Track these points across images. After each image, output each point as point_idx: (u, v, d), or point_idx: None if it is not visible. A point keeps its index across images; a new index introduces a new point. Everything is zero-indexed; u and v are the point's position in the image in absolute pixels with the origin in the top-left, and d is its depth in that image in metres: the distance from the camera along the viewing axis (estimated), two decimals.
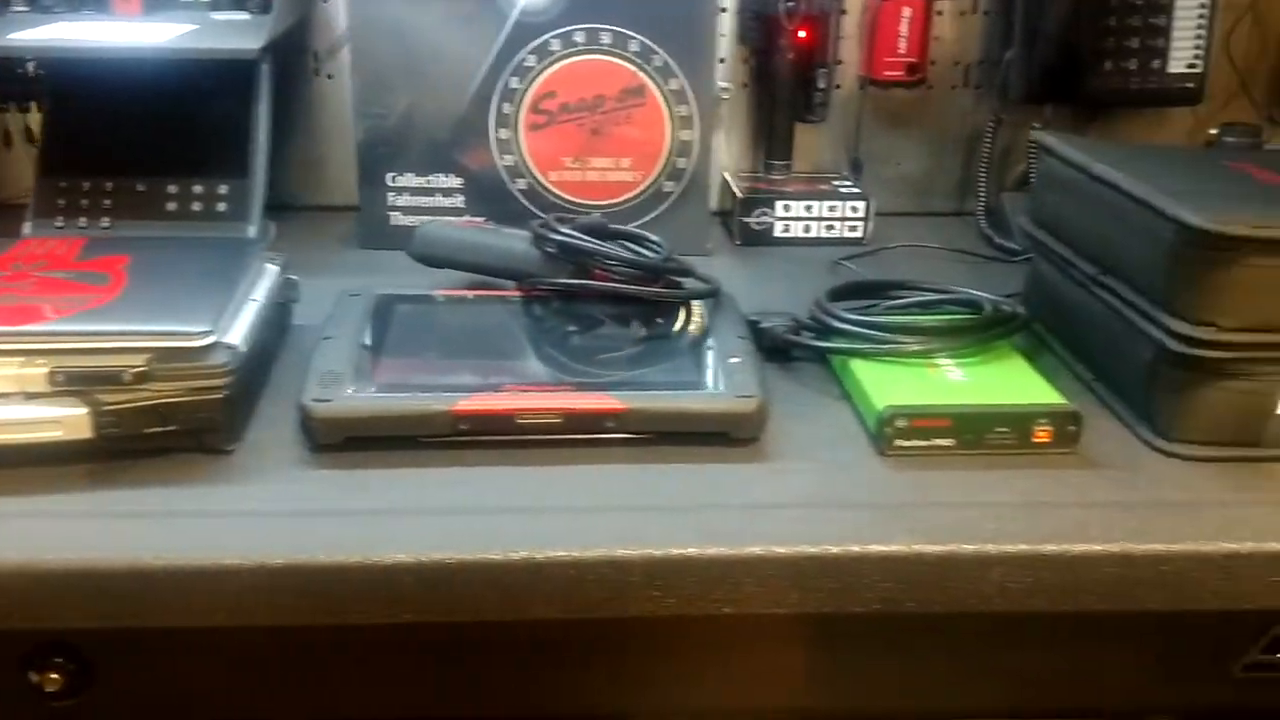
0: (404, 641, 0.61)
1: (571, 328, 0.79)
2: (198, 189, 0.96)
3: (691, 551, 0.58)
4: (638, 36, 0.99)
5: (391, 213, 1.03)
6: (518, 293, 0.83)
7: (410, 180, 1.02)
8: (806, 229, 1.08)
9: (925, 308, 0.84)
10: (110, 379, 0.64)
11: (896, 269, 1.01)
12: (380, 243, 1.03)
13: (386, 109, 1.00)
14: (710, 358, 0.72)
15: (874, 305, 0.83)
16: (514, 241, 0.85)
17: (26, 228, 0.95)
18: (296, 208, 1.13)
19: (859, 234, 1.08)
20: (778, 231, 1.08)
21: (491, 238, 0.86)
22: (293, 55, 1.10)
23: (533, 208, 1.02)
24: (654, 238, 0.83)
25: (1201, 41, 1.08)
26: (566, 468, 0.66)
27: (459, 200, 1.02)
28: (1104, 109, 1.14)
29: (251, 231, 0.96)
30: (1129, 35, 1.07)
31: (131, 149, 0.97)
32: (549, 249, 0.82)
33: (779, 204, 1.07)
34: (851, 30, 1.12)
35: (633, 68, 1.00)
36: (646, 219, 1.03)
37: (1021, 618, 0.60)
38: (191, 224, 0.95)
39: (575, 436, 0.68)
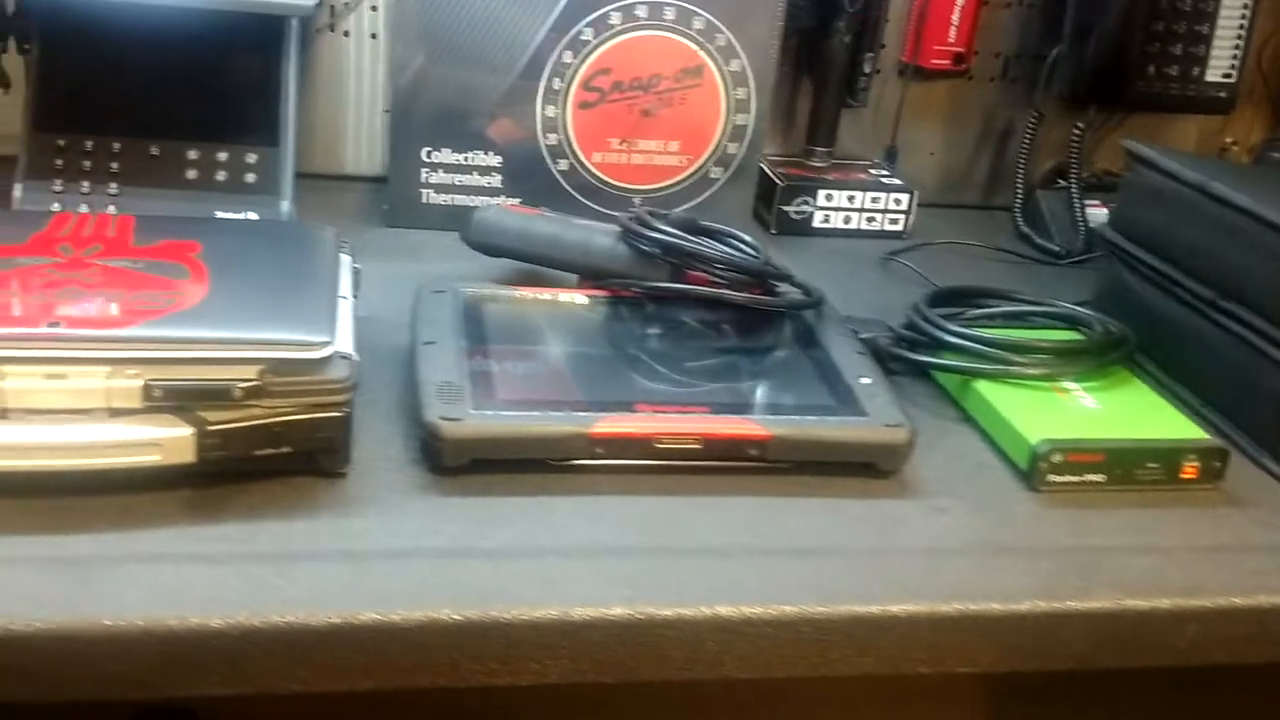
0: (568, 699, 0.56)
1: (681, 337, 0.73)
2: (222, 156, 0.86)
3: (895, 609, 0.54)
4: (703, 13, 0.93)
5: (424, 190, 0.95)
6: (603, 293, 0.77)
7: (446, 156, 0.94)
8: (847, 220, 1.05)
9: (1015, 319, 0.81)
10: (218, 394, 0.56)
11: (940, 267, 0.98)
12: (409, 221, 0.95)
13: (427, 78, 0.92)
14: (842, 378, 0.68)
15: (958, 313, 0.81)
16: (593, 235, 0.79)
17: (18, 190, 0.84)
18: (300, 175, 1.04)
19: (900, 227, 1.06)
20: (817, 222, 1.04)
21: (567, 230, 0.80)
22: None
23: (571, 190, 0.96)
24: (748, 237, 0.78)
25: (1238, 52, 1.08)
26: (706, 499, 0.61)
27: (496, 180, 0.95)
28: (1136, 112, 1.13)
29: (284, 208, 0.87)
30: (1175, 41, 1.06)
31: (140, 105, 0.86)
32: (641, 245, 0.76)
33: (821, 193, 1.04)
34: (893, 14, 1.09)
35: (694, 46, 0.94)
36: (686, 206, 0.98)
37: (1198, 669, 0.59)
38: (215, 195, 0.86)
39: (712, 463, 0.63)
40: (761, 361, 0.72)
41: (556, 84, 0.93)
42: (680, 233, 0.75)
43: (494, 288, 0.76)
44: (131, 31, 0.85)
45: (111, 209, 0.84)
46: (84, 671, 0.49)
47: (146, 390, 0.56)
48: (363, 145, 1.06)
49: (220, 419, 0.57)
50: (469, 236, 0.83)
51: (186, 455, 0.56)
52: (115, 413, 0.56)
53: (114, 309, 0.58)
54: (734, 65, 0.95)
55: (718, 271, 0.74)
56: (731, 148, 0.97)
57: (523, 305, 0.75)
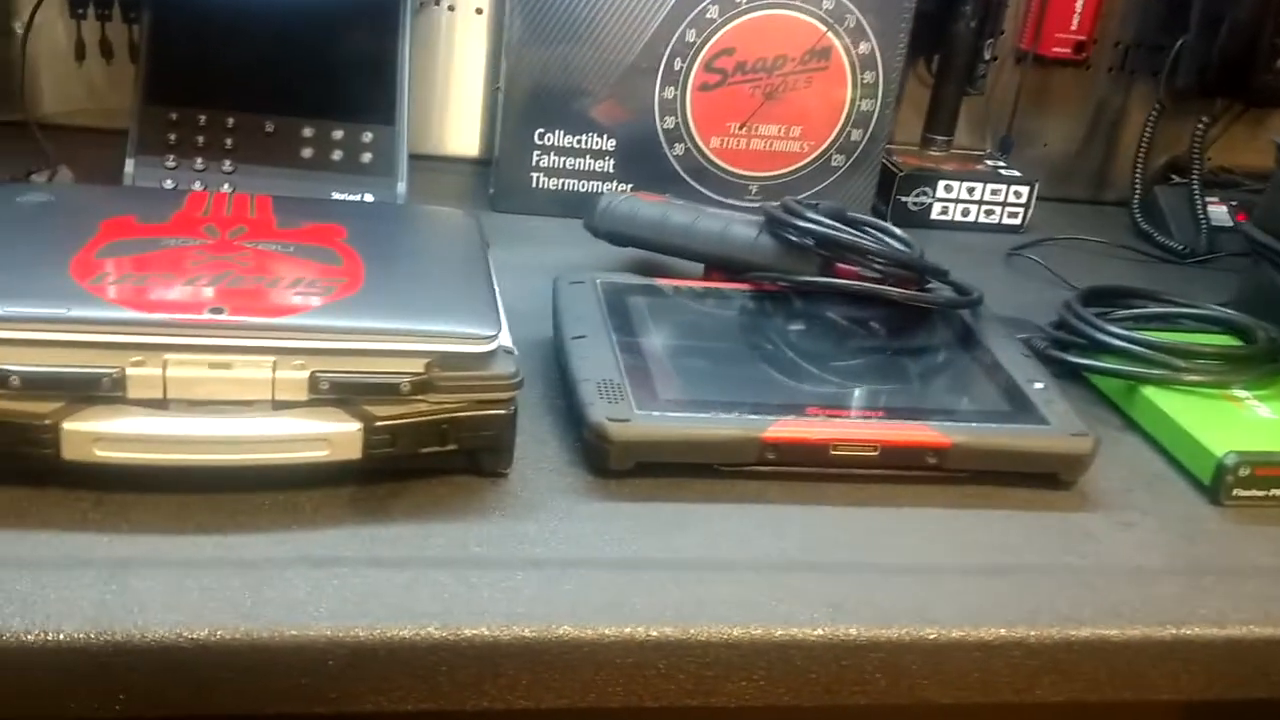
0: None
1: (833, 335, 0.70)
2: (337, 134, 0.83)
3: (1108, 633, 0.51)
4: None
5: (534, 174, 0.92)
6: (744, 285, 0.73)
7: (560, 138, 0.91)
8: (965, 212, 1.01)
9: (1164, 321, 0.78)
10: (385, 389, 0.53)
11: (1064, 264, 0.95)
12: (516, 206, 0.92)
13: (541, 56, 0.89)
14: (1013, 382, 0.65)
15: (1105, 313, 0.77)
16: (732, 225, 0.76)
17: (129, 165, 0.81)
18: None
19: (1018, 221, 1.02)
20: (935, 214, 1.01)
21: (703, 219, 0.77)
22: None
23: (686, 175, 0.93)
24: (897, 230, 0.75)
25: None
26: (888, 511, 0.58)
27: (609, 164, 0.92)
28: (1263, 106, 1.09)
29: (400, 189, 0.84)
30: None
31: (253, 79, 0.83)
32: (790, 236, 0.73)
33: (940, 184, 1.00)
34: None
35: (822, 27, 0.90)
36: (804, 195, 0.95)
37: None
38: (331, 175, 0.83)
39: (887, 472, 0.60)
40: (926, 363, 0.68)
41: (677, 64, 0.90)
42: (834, 223, 0.71)
43: (630, 278, 0.73)
44: (243, 3, 0.82)
45: (226, 187, 0.81)
46: (266, 683, 0.46)
47: (313, 382, 0.53)
48: (465, 125, 1.03)
49: (387, 414, 0.54)
50: (594, 223, 0.80)
51: (353, 452, 0.53)
52: (278, 405, 0.53)
53: (275, 296, 0.55)
54: (863, 48, 0.91)
55: (875, 265, 0.70)
56: (855, 135, 0.94)
57: (666, 297, 0.71)
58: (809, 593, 0.51)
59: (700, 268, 0.79)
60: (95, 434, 0.50)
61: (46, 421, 0.50)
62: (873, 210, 0.99)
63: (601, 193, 0.83)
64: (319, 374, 0.53)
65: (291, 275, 0.57)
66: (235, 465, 0.53)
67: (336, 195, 0.82)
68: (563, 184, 0.92)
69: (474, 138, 1.03)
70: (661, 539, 0.54)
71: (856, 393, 0.63)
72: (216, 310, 0.53)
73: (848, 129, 0.94)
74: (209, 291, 0.54)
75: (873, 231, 0.74)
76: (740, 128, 0.92)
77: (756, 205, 0.93)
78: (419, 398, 0.54)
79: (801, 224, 0.72)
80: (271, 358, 0.53)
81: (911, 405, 0.63)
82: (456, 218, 0.69)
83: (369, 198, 0.83)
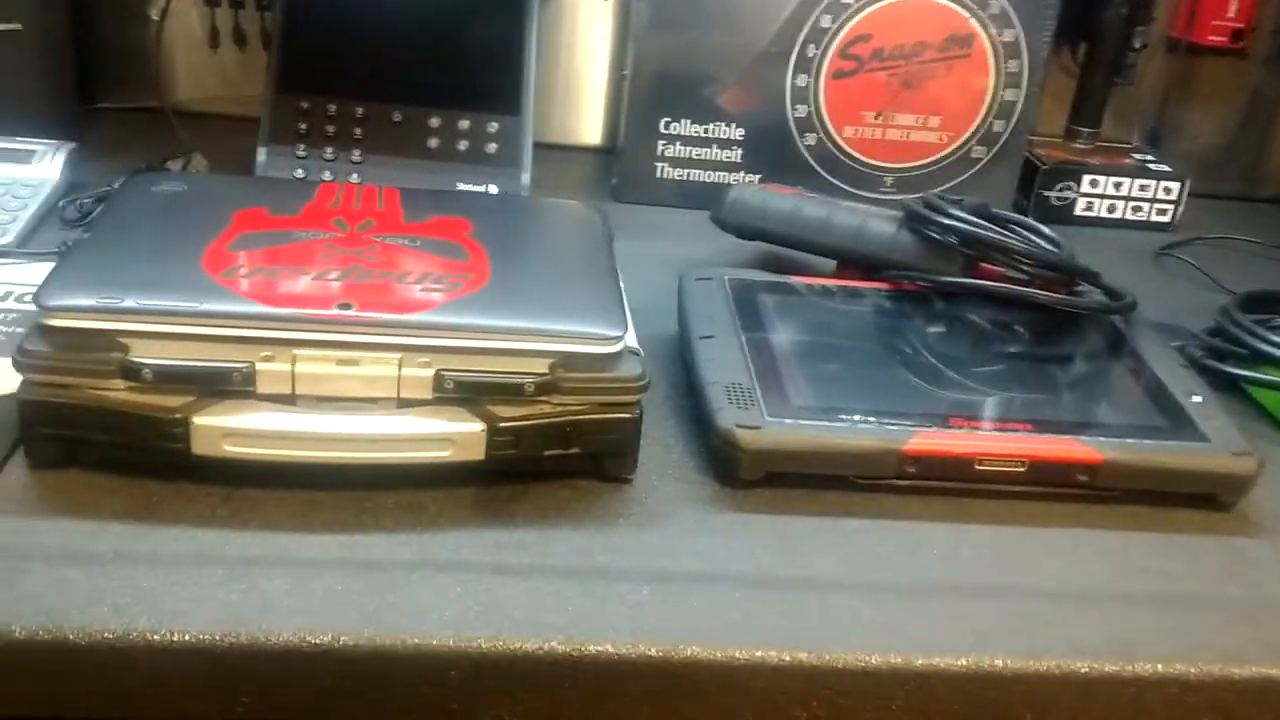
0: None
1: (975, 340, 0.66)
2: (464, 124, 0.82)
3: (1277, 673, 0.47)
4: None
5: (658, 164, 0.90)
6: (880, 284, 0.70)
7: (686, 128, 0.89)
8: (1111, 209, 0.96)
9: None
10: (509, 389, 0.52)
11: (1217, 265, 0.89)
12: (639, 196, 0.90)
13: (670, 42, 0.86)
14: (1169, 395, 0.61)
15: (1265, 320, 0.72)
16: (869, 221, 0.73)
17: (261, 155, 0.81)
18: None
19: (1167, 218, 0.96)
20: (1078, 209, 0.96)
21: (838, 213, 0.74)
22: None
23: (817, 166, 0.90)
24: (1045, 228, 0.71)
25: None
26: (1037, 531, 0.55)
27: (736, 154, 0.89)
28: None
29: (524, 180, 0.83)
30: None
31: (382, 69, 0.83)
32: (931, 234, 0.69)
33: (1086, 178, 0.95)
34: None
35: (965, 13, 0.86)
36: (942, 189, 0.91)
37: None
38: (457, 166, 0.82)
39: (1035, 489, 0.56)
40: (1075, 372, 0.65)
41: (811, 50, 0.87)
42: (980, 220, 0.68)
43: (760, 274, 0.70)
44: None
45: (354, 178, 0.81)
46: (388, 691, 0.45)
47: (437, 381, 0.52)
48: (587, 113, 1.01)
49: (511, 415, 0.52)
50: (722, 216, 0.77)
51: (476, 453, 0.52)
52: (403, 403, 0.52)
53: (401, 292, 0.54)
54: (1007, 35, 0.87)
55: (1022, 266, 0.67)
56: (997, 125, 0.90)
57: (798, 296, 0.69)
58: (952, 619, 0.48)
59: (831, 264, 0.76)
60: (225, 429, 0.50)
61: (177, 415, 0.50)
62: (1014, 206, 0.94)
63: (730, 184, 0.80)
64: (444, 373, 0.52)
65: (418, 270, 0.56)
66: (361, 463, 0.52)
67: (461, 186, 0.82)
68: (688, 174, 0.90)
69: (596, 126, 1.02)
70: (794, 556, 0.52)
71: (1002, 403, 0.60)
72: (345, 306, 0.52)
73: (989, 119, 0.89)
74: (337, 287, 0.53)
75: (1019, 230, 0.70)
76: (876, 117, 0.89)
77: (892, 199, 0.89)
78: (543, 399, 0.53)
79: (944, 221, 0.69)
80: (397, 355, 0.52)
81: (1061, 418, 0.59)
82: (582, 212, 0.67)
83: (493, 189, 0.82)
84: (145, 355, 0.50)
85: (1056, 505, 0.57)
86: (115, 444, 0.51)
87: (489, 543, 0.50)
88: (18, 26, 0.81)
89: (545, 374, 0.52)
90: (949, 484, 0.56)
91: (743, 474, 0.55)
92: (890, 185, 0.91)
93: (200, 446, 0.50)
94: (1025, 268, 0.67)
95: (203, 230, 0.57)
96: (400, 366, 0.51)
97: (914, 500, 0.56)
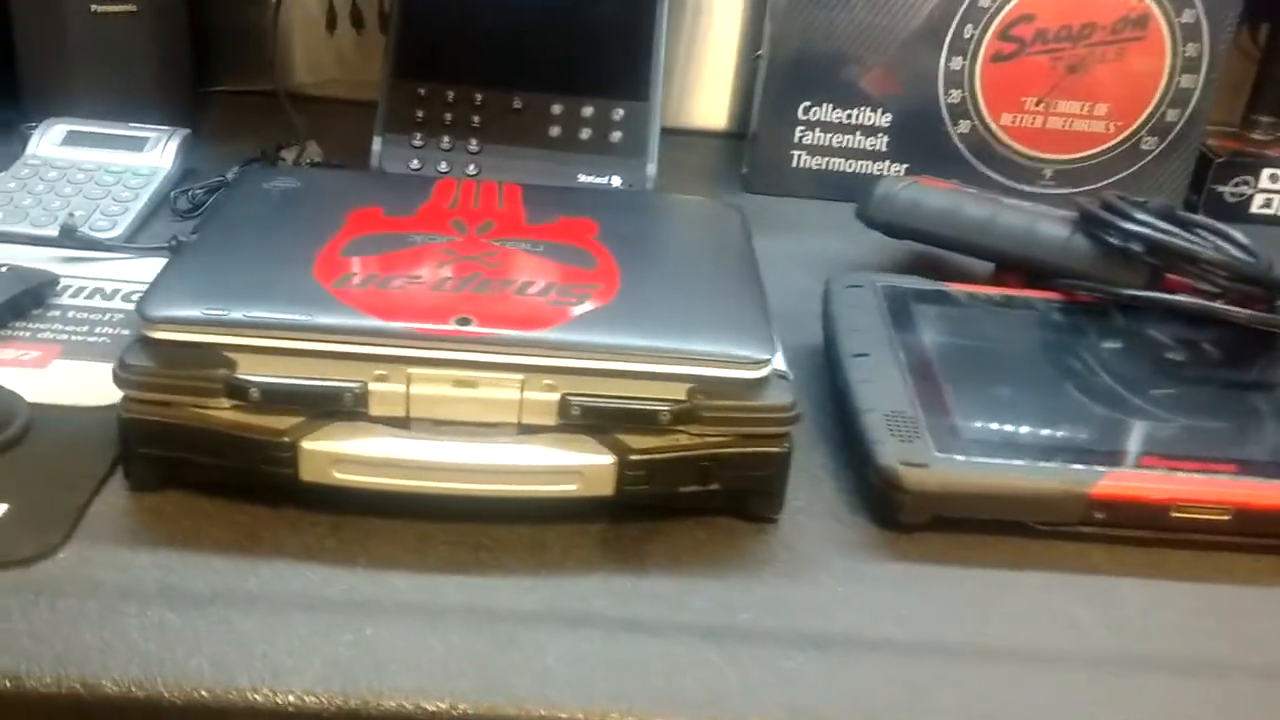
0: None
1: (1163, 362, 0.59)
2: (586, 112, 0.77)
3: None
4: None
5: (795, 152, 0.83)
6: (1052, 295, 0.63)
7: (827, 113, 0.82)
8: None
9: None
10: (642, 417, 0.47)
11: None
12: (772, 187, 0.84)
13: (812, 21, 0.80)
14: None
15: None
16: (1039, 222, 0.65)
17: (377, 144, 0.77)
18: None
19: None
20: (1256, 206, 0.87)
21: (1004, 213, 0.66)
22: None
23: (970, 156, 0.82)
24: (1238, 234, 0.62)
25: None
26: (1242, 590, 0.48)
27: (881, 142, 0.82)
28: None
29: (649, 171, 0.77)
30: None
31: (502, 53, 0.78)
32: (1111, 239, 0.62)
33: (1265, 172, 0.86)
34: None
35: None
36: (1105, 182, 0.83)
37: None
38: (578, 156, 0.77)
39: (1241, 540, 0.49)
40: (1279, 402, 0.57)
41: (968, 31, 0.79)
42: (1168, 226, 0.60)
43: (916, 281, 0.63)
44: None
45: (471, 168, 0.76)
46: None
47: (563, 406, 0.47)
48: (713, 96, 0.95)
49: (643, 447, 0.47)
50: (870, 212, 0.71)
51: (605, 487, 0.47)
52: (523, 429, 0.47)
53: (524, 304, 0.49)
54: (1186, 16, 0.78)
55: (1217, 279, 0.59)
56: (1171, 114, 0.81)
57: (959, 306, 0.62)
58: (1153, 698, 0.42)
59: (986, 267, 0.69)
60: (335, 455, 0.46)
61: (285, 439, 0.46)
62: (1184, 203, 0.85)
63: (880, 176, 0.74)
64: (570, 397, 0.46)
65: (542, 280, 0.51)
66: (480, 495, 0.47)
67: (583, 178, 0.76)
68: (827, 163, 0.83)
69: (720, 109, 0.95)
70: (966, 616, 0.45)
71: (1200, 438, 0.53)
72: (463, 321, 0.47)
73: (1163, 108, 0.81)
74: (455, 298, 0.49)
75: (1208, 236, 0.62)
76: (1037, 104, 0.81)
77: (1051, 193, 0.82)
78: (679, 429, 0.47)
79: (1127, 225, 0.61)
80: (520, 376, 0.47)
81: (1270, 458, 0.51)
82: (719, 211, 0.61)
83: (617, 180, 0.77)
84: (252, 372, 0.46)
85: (1268, 559, 0.49)
86: (219, 467, 0.47)
87: (619, 592, 0.45)
88: (132, 8, 0.78)
89: (683, 401, 0.47)
90: (1140, 532, 0.49)
91: (905, 517, 0.49)
92: (1050, 178, 0.83)
93: (309, 473, 0.46)
94: (1219, 280, 0.59)
95: (315, 233, 0.53)
96: (522, 389, 0.46)
97: (1098, 549, 0.49)
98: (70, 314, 0.60)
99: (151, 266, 0.65)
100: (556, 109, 0.77)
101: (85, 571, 0.44)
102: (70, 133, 0.75)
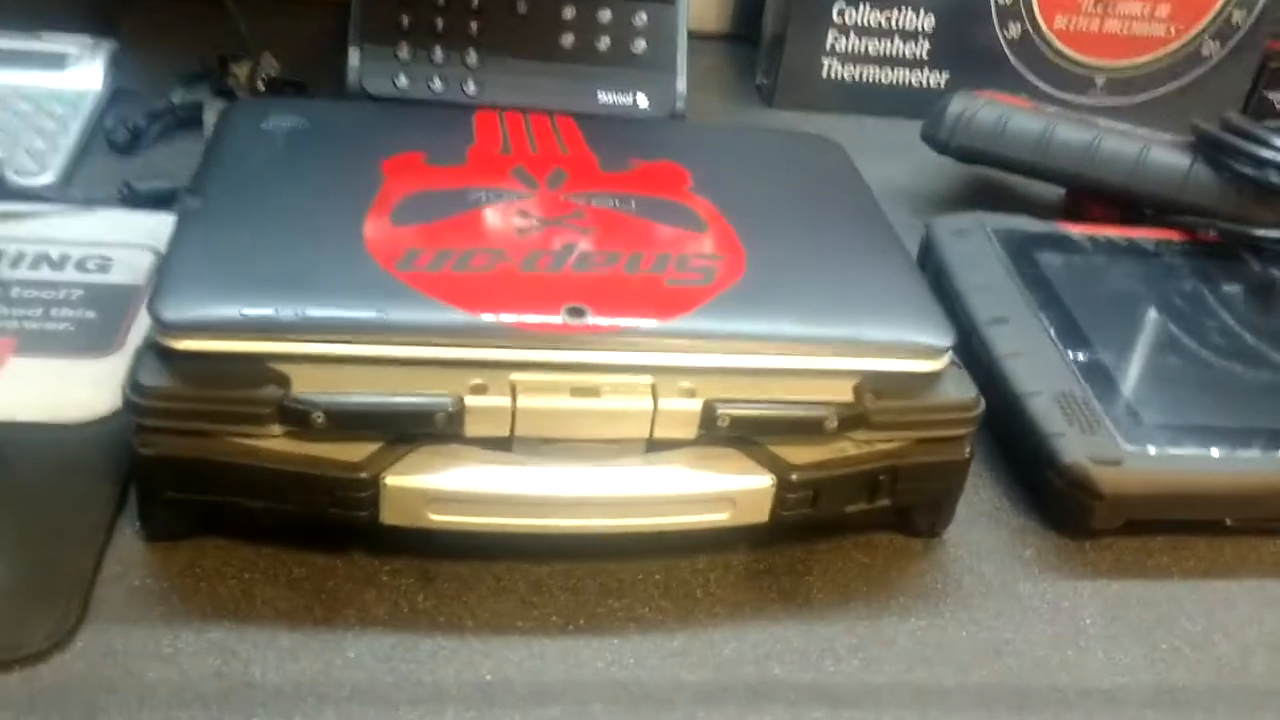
0: None
1: None
2: (604, 15, 0.65)
3: None
4: None
5: (827, 60, 0.73)
6: (1171, 235, 0.56)
7: (863, 15, 0.72)
8: None
9: None
10: (805, 425, 0.38)
11: None
12: (799, 100, 0.74)
13: None
14: None
15: None
16: (1153, 150, 0.57)
17: (354, 57, 0.64)
18: None
19: None
20: None
21: (1108, 139, 0.58)
22: None
23: (1017, 63, 0.74)
24: None
25: None
26: None
27: (922, 49, 0.73)
28: None
29: (680, 87, 0.66)
30: None
31: None
32: (1244, 168, 0.54)
33: None
34: None
35: None
36: (1158, 91, 0.75)
37: None
38: (596, 69, 0.65)
39: None
40: None
41: None
42: None
43: (1024, 221, 0.55)
44: None
45: (471, 87, 0.64)
46: None
47: (706, 414, 0.37)
48: None
49: (805, 461, 0.38)
50: (940, 133, 0.62)
51: (760, 513, 0.38)
52: (653, 445, 0.38)
53: (643, 285, 0.39)
54: None
55: None
56: (1237, 16, 0.73)
57: (1081, 253, 0.54)
58: None
59: (1050, 194, 0.62)
60: (429, 491, 0.36)
61: (362, 475, 0.35)
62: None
63: (944, 91, 0.65)
64: (716, 404, 0.37)
65: (652, 250, 0.41)
66: (608, 532, 0.38)
67: (603, 96, 0.65)
68: (861, 73, 0.74)
69: (710, 8, 0.84)
70: (1198, 644, 0.38)
71: None
72: (575, 312, 0.37)
73: (1228, 9, 0.73)
74: (556, 280, 0.38)
75: None
76: (1094, 5, 0.73)
77: (1102, 105, 0.74)
78: (845, 436, 0.38)
79: (1264, 153, 0.54)
80: (650, 379, 0.37)
81: None
82: (819, 149, 0.51)
83: (642, 100, 0.66)
84: (313, 390, 0.35)
85: None
86: (271, 512, 0.36)
87: (790, 647, 0.36)
88: None
89: (850, 402, 0.38)
90: None
91: (1096, 524, 0.41)
92: (1101, 87, 0.75)
93: (394, 515, 0.36)
94: None
95: (353, 194, 0.41)
96: (655, 396, 0.37)
97: None
98: (15, 292, 0.47)
99: (102, 222, 0.52)
100: (568, 13, 0.65)
101: (118, 666, 0.33)
102: None
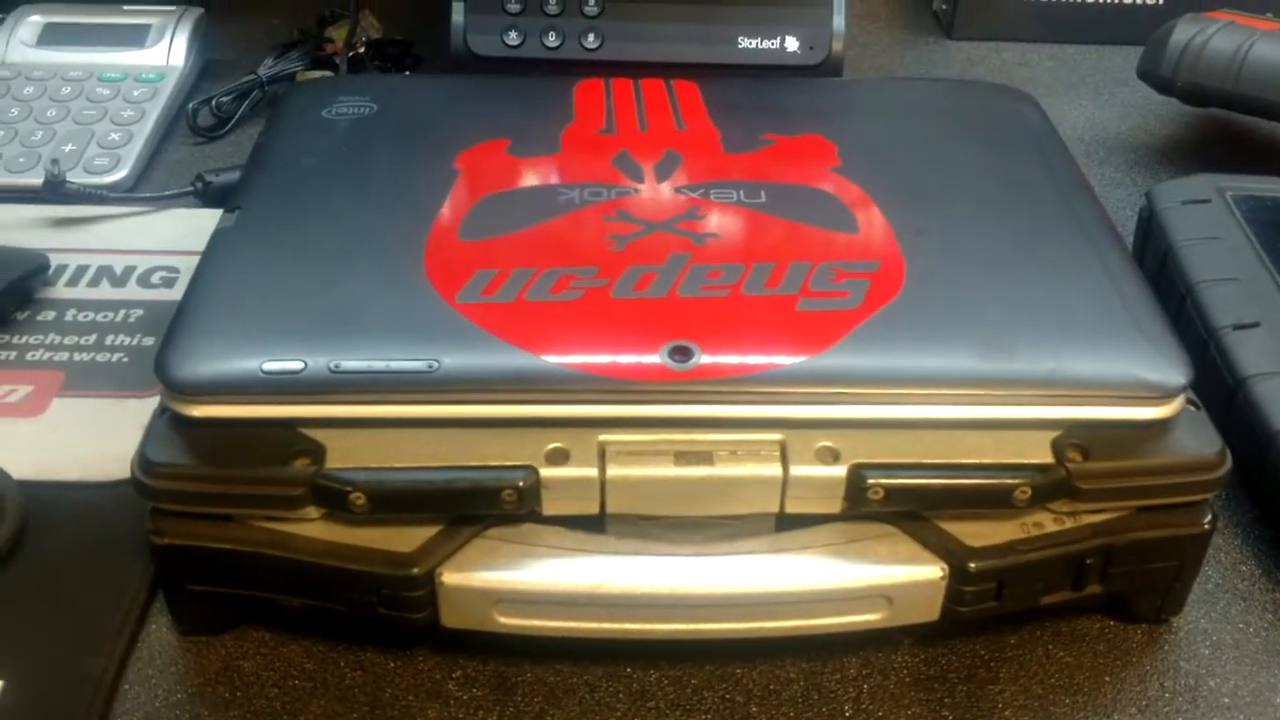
0: None
1: None
2: None
3: None
4: None
5: None
6: None
7: None
8: None
9: None
10: (988, 496, 0.29)
11: None
12: (983, 29, 0.64)
13: None
14: None
15: None
16: None
17: (458, 13, 0.56)
18: None
19: None
20: None
21: None
22: None
23: None
24: None
25: None
26: None
27: None
28: None
29: (838, 24, 0.55)
30: None
31: None
32: None
33: None
34: None
35: None
36: None
37: None
38: (735, 8, 0.54)
39: None
40: None
41: None
42: None
43: (1269, 183, 0.43)
44: None
45: (591, 39, 0.56)
46: None
47: (854, 482, 0.28)
48: None
49: (987, 545, 0.29)
50: (1161, 68, 0.50)
51: (928, 611, 0.29)
52: (784, 522, 0.29)
53: (769, 312, 0.30)
54: None
55: None
56: None
57: None
58: None
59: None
60: (497, 590, 0.28)
61: (414, 571, 0.28)
62: None
63: (1177, 13, 0.52)
64: (866, 469, 0.28)
65: (785, 260, 0.32)
66: (725, 636, 0.30)
67: (744, 42, 0.56)
68: None
69: None
70: None
71: None
72: (680, 352, 0.29)
73: None
74: (656, 309, 0.30)
75: None
76: None
77: None
78: (1042, 507, 0.29)
79: None
80: (778, 436, 0.29)
81: None
82: (1006, 106, 0.41)
83: (792, 43, 0.56)
84: (351, 462, 0.28)
85: None
86: (311, 609, 0.30)
87: None
88: None
89: (1049, 464, 0.29)
90: None
91: None
92: None
93: (456, 617, 0.29)
94: None
95: (416, 200, 0.34)
96: (785, 459, 0.29)
97: None
98: (69, 315, 0.42)
99: (172, 225, 0.47)
100: None
101: None
102: (48, 27, 0.56)
